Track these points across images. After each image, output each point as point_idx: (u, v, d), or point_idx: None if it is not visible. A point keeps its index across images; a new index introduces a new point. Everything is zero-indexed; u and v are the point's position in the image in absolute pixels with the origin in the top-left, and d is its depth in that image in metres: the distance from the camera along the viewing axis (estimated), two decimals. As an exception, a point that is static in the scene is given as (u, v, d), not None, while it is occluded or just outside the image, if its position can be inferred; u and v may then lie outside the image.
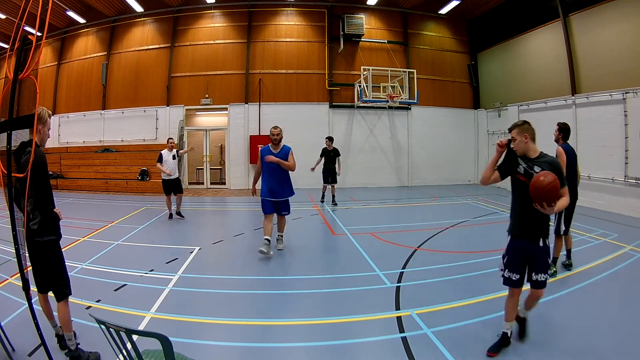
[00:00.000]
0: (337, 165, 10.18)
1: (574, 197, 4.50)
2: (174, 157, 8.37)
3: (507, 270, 2.96)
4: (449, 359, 2.88)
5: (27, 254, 2.61)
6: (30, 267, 2.80)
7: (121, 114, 14.39)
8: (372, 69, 12.72)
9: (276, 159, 5.52)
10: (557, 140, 4.79)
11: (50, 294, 2.89)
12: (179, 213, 8.56)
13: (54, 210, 2.83)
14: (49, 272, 2.82)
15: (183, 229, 7.79)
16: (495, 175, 3.02)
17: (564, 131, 4.80)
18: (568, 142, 4.79)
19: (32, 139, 2.73)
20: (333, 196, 10.24)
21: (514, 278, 2.92)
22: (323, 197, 10.60)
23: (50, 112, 2.94)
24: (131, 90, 14.44)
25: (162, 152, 8.38)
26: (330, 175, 10.16)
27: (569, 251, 4.90)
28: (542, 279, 2.87)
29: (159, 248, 5.91)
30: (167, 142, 8.65)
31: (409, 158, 14.68)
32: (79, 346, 2.87)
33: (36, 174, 2.64)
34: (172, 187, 8.40)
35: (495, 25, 14.26)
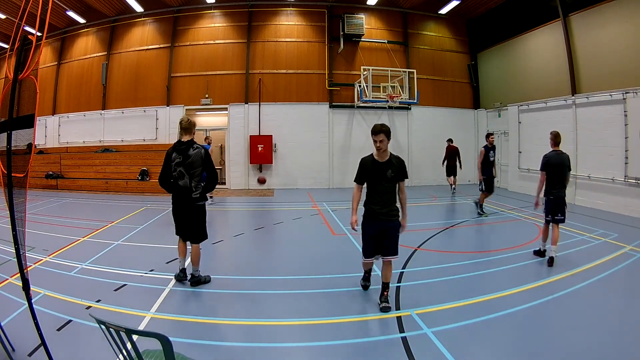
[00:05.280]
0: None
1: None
2: None
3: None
4: (449, 359, 2.89)
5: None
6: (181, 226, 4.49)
7: (121, 114, 14.38)
8: (372, 69, 12.71)
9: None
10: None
11: None
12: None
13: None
14: (201, 225, 4.48)
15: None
16: None
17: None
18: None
19: (192, 139, 4.34)
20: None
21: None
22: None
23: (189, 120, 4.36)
24: (131, 90, 14.43)
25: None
26: None
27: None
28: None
29: (159, 248, 5.91)
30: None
31: (409, 158, 14.65)
32: (199, 272, 4.43)
33: (207, 161, 4.36)
34: None
35: (495, 25, 14.25)
